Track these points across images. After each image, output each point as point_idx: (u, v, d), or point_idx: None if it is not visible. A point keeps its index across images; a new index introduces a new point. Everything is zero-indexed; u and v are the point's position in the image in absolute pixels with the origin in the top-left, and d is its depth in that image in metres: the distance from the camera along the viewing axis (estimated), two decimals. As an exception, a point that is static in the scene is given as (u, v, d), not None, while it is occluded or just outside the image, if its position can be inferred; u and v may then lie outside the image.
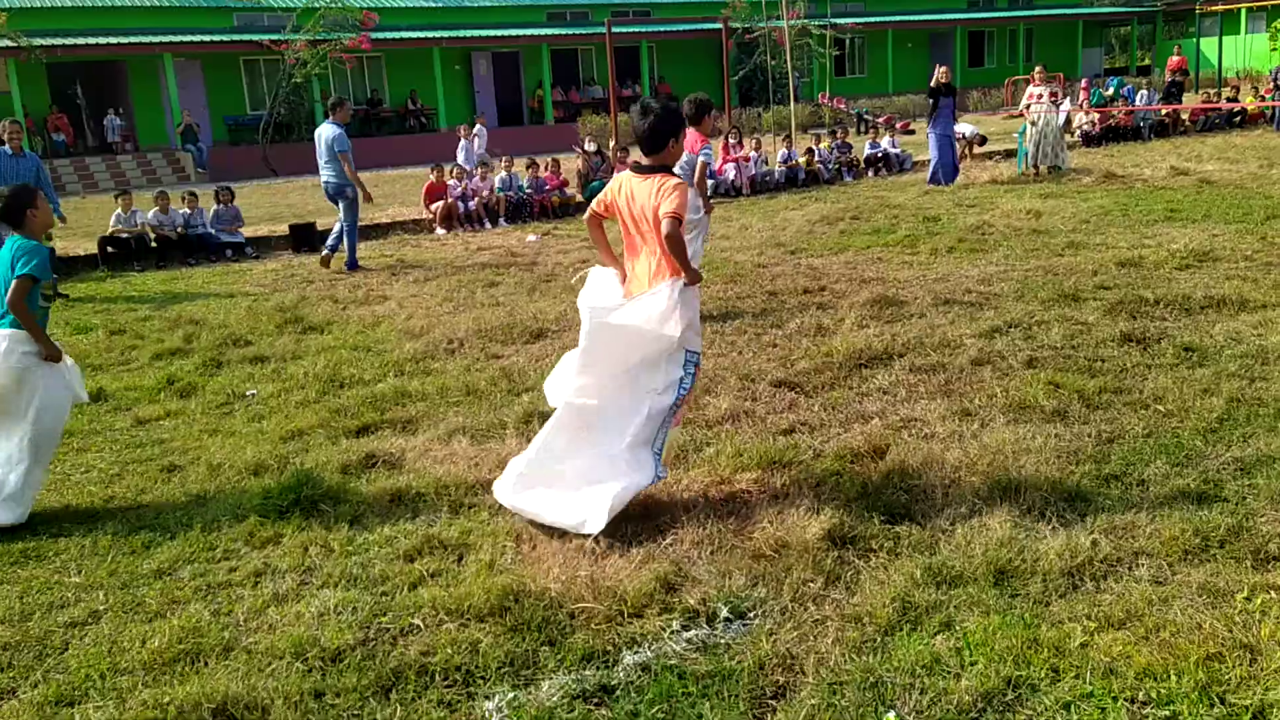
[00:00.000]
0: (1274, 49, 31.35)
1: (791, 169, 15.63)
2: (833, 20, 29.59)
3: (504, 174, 14.14)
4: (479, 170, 14.09)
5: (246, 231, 12.55)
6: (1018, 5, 39.59)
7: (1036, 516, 3.65)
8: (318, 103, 26.34)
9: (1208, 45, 34.83)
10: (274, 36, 24.01)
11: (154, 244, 11.38)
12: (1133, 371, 5.25)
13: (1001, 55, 37.65)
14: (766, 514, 3.79)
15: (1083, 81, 23.26)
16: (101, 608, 3.35)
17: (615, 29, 28.61)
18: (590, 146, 15.48)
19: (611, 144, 15.42)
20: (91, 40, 24.01)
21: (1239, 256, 7.94)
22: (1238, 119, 20.55)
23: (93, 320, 8.25)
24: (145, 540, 3.86)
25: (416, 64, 28.49)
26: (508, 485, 3.85)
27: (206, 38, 25.77)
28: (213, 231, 11.73)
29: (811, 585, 3.27)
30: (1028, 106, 14.45)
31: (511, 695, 2.76)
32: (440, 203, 13.30)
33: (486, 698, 2.77)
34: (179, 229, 11.50)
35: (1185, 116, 20.45)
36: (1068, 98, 17.82)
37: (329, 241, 10.48)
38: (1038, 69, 14.89)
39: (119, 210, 11.39)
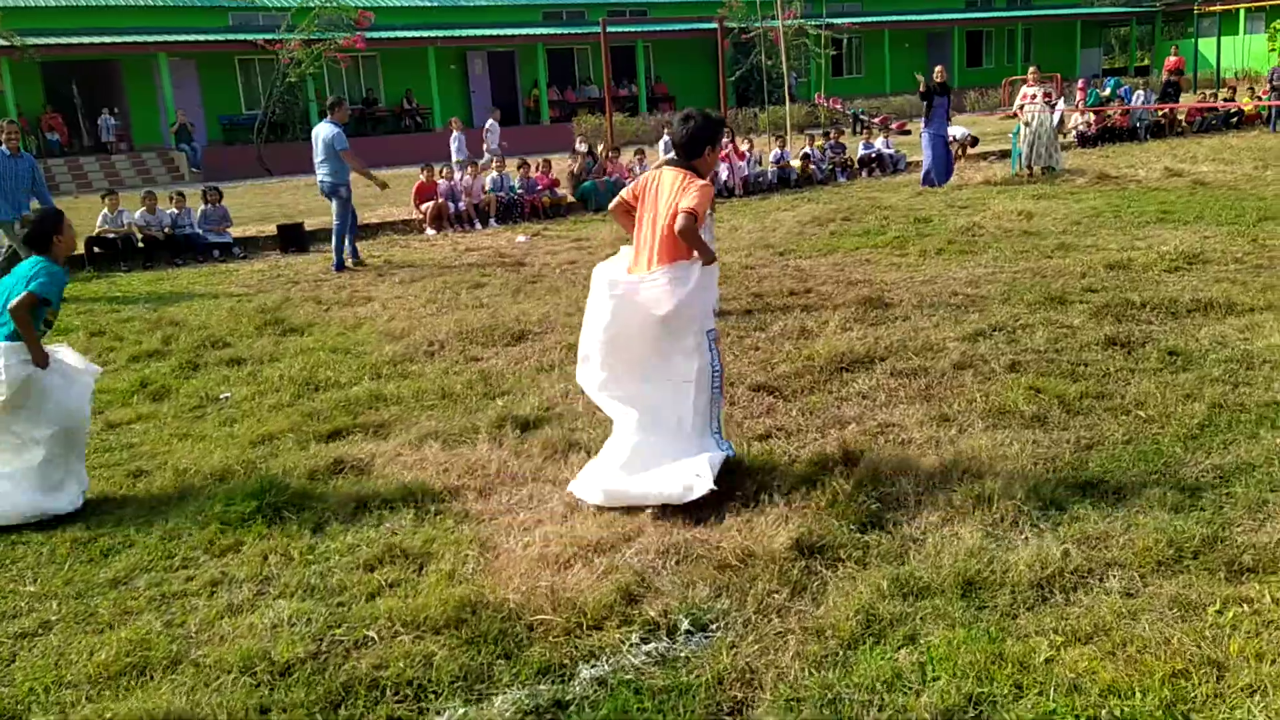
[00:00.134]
0: (1272, 49, 31.28)
1: (783, 169, 15.56)
2: (829, 20, 29.52)
3: (495, 174, 14.08)
4: (470, 169, 14.02)
5: (235, 231, 12.49)
6: (1016, 5, 39.52)
7: (1009, 525, 3.59)
8: (312, 102, 26.29)
9: (1206, 46, 34.79)
10: (269, 36, 23.94)
11: (141, 244, 11.31)
12: (1115, 376, 5.19)
13: (1000, 55, 37.57)
14: (736, 522, 3.73)
15: (1079, 82, 23.19)
16: (53, 618, 3.29)
17: (611, 29, 28.57)
18: (582, 147, 15.42)
19: (600, 146, 15.34)
20: (86, 40, 23.95)
21: (1229, 259, 7.88)
22: (1234, 120, 20.49)
23: (74, 321, 8.18)
24: (104, 548, 3.79)
25: (412, 63, 28.41)
26: (593, 485, 3.92)
27: (201, 37, 25.71)
28: (200, 232, 11.67)
29: (776, 596, 3.20)
30: (1021, 107, 14.38)
31: (463, 711, 2.70)
32: (430, 203, 13.23)
33: (437, 713, 2.70)
34: (166, 229, 11.44)
35: (1182, 117, 20.39)
36: (1062, 98, 17.74)
37: (346, 249, 10.53)
38: (1032, 70, 14.83)
39: (105, 210, 11.33)
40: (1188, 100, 22.01)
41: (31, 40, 22.39)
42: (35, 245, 4.31)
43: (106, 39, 24.13)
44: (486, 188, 13.76)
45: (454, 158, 16.82)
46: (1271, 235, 8.79)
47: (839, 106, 27.76)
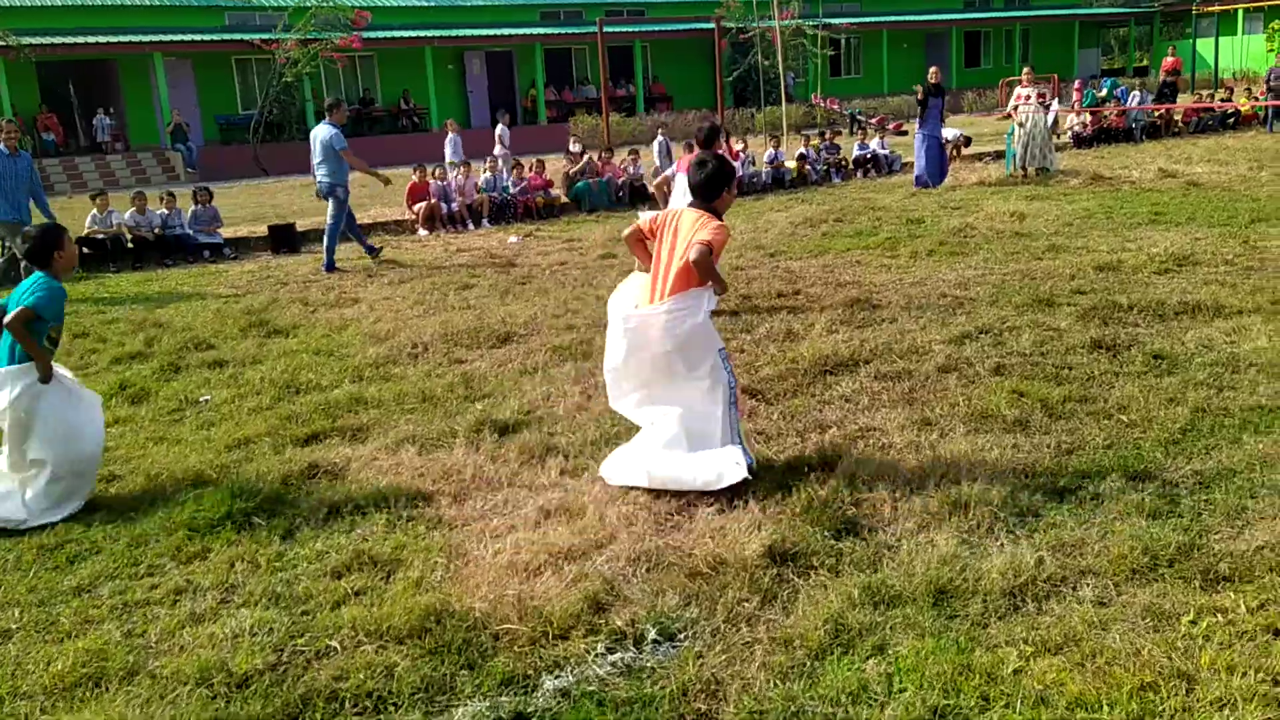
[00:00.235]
0: (1271, 50, 31.22)
1: (778, 170, 15.52)
2: (827, 20, 29.47)
3: (488, 174, 14.04)
4: (463, 170, 13.98)
5: (227, 232, 12.46)
6: (1014, 6, 39.47)
7: (985, 532, 3.55)
8: (309, 102, 26.25)
9: (1204, 46, 34.73)
10: (265, 36, 23.90)
11: (130, 245, 11.27)
12: (1099, 379, 5.14)
13: (998, 56, 37.51)
14: (710, 528, 3.69)
15: (1076, 82, 23.13)
16: (14, 626, 3.25)
17: (609, 28, 28.55)
18: (576, 147, 15.38)
19: (598, 151, 15.28)
20: (81, 39, 23.92)
21: (1219, 261, 7.83)
22: (1231, 120, 20.44)
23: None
24: (70, 554, 3.75)
25: (409, 63, 28.37)
26: (632, 466, 4.06)
27: (197, 37, 25.67)
28: (190, 232, 11.63)
29: (746, 605, 3.16)
30: (1016, 108, 14.33)
31: (422, 723, 2.66)
32: (423, 203, 13.20)
33: (396, 725, 2.66)
34: (156, 230, 11.40)
35: (1178, 118, 20.34)
36: (1056, 99, 17.69)
37: (365, 248, 10.60)
38: (1026, 71, 14.79)
39: (95, 211, 11.30)
40: (1184, 101, 21.96)
41: (26, 40, 22.37)
42: (36, 260, 4.28)
43: (102, 38, 24.09)
44: (479, 188, 13.72)
45: (448, 159, 16.81)
46: (1263, 237, 8.75)
47: (836, 107, 27.73)
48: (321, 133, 10.16)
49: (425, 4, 30.89)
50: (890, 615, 3.04)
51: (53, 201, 14.85)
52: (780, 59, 21.45)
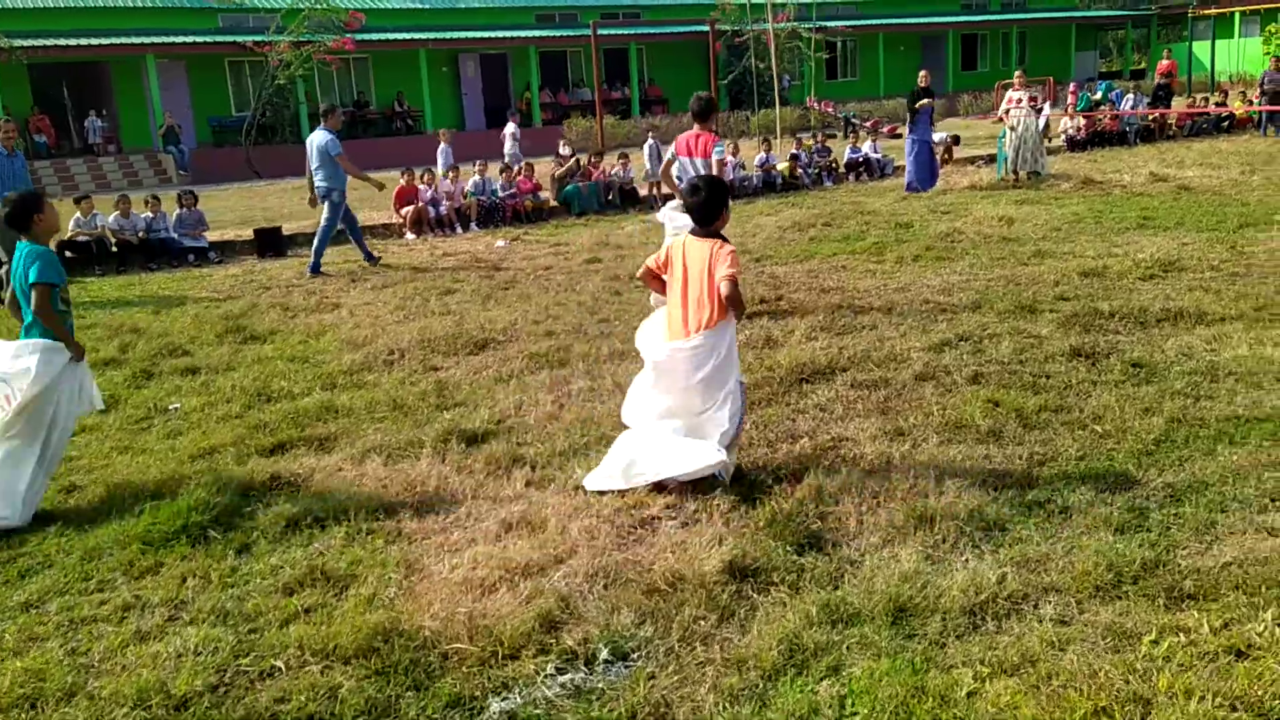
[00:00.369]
0: (1267, 53, 31.18)
1: (768, 173, 15.46)
2: (822, 23, 29.43)
3: (477, 178, 13.98)
4: (450, 174, 13.93)
5: (214, 235, 12.41)
6: (1011, 8, 39.44)
7: (950, 547, 3.49)
8: (302, 104, 26.19)
9: (1201, 49, 34.70)
10: (257, 38, 23.83)
11: (114, 249, 11.21)
12: (1077, 388, 5.08)
13: (994, 58, 37.46)
14: (671, 542, 3.63)
15: (1071, 85, 23.09)
16: (-43, 644, 3.19)
17: (604, 31, 28.49)
18: (565, 150, 15.33)
19: (588, 155, 15.22)
20: (74, 41, 23.85)
21: (1205, 266, 7.77)
22: (1226, 124, 20.39)
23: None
24: (22, 568, 3.69)
25: (403, 66, 28.31)
26: (614, 474, 4.11)
27: (190, 39, 25.62)
28: (175, 236, 11.57)
29: (702, 623, 3.10)
30: (1007, 112, 14.28)
31: (362, 746, 2.60)
32: (410, 207, 13.13)
33: (335, 749, 2.60)
34: (140, 233, 11.34)
35: (1172, 121, 20.29)
36: (1047, 102, 17.64)
37: (364, 254, 10.57)
38: (1017, 74, 14.74)
39: (78, 214, 11.23)
40: (1179, 104, 21.92)
41: (19, 42, 22.31)
42: (16, 225, 4.28)
43: (95, 40, 24.03)
44: (467, 192, 13.66)
45: (439, 169, 16.76)
46: (1250, 242, 8.69)
47: (830, 110, 27.68)
48: (317, 138, 10.14)
49: (420, 6, 30.83)
50: (847, 634, 2.97)
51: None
52: (774, 62, 21.43)
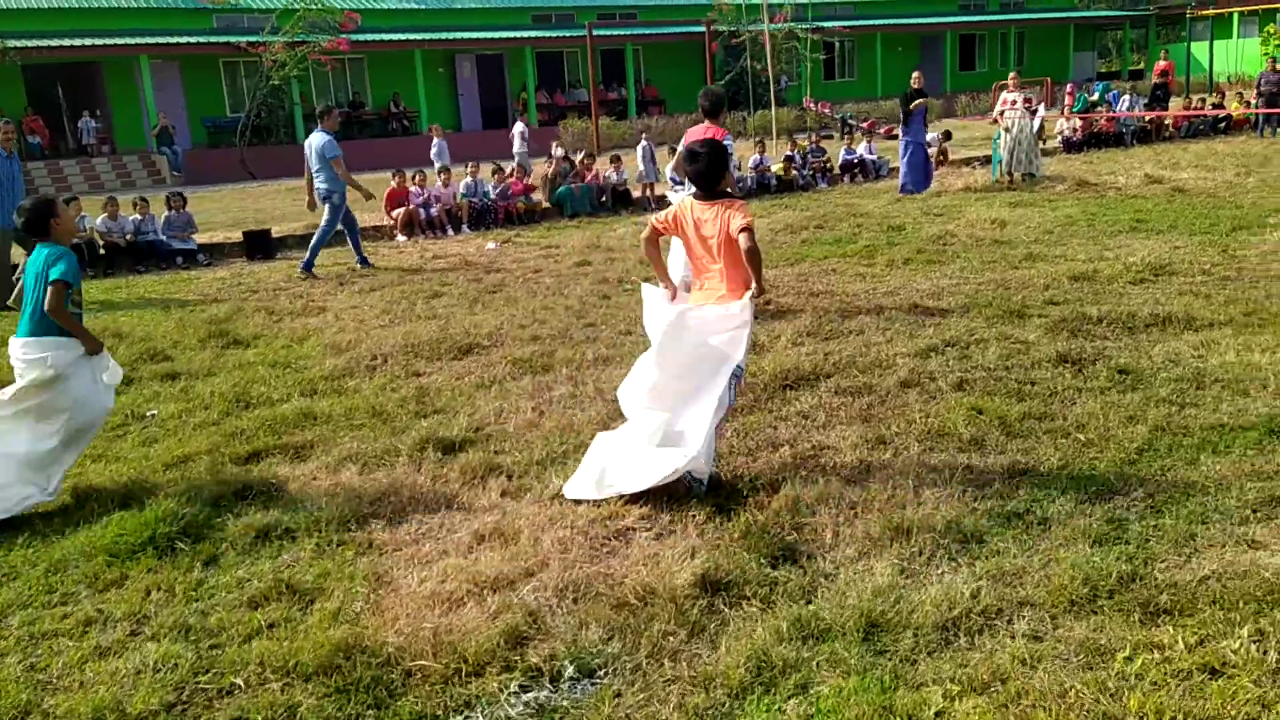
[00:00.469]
0: (1265, 54, 31.15)
1: (762, 174, 15.41)
2: (819, 23, 29.37)
3: (469, 179, 13.93)
4: (444, 176, 13.88)
5: (204, 237, 12.37)
6: (1009, 8, 39.40)
7: (926, 560, 3.43)
8: (297, 105, 26.14)
9: (1199, 49, 34.66)
10: (252, 38, 23.78)
11: (102, 251, 11.16)
12: (1062, 395, 5.03)
13: (993, 59, 37.44)
14: (644, 554, 3.58)
15: (1068, 86, 23.04)
16: (-85, 660, 3.13)
17: (601, 32, 28.44)
18: (558, 152, 15.28)
19: (580, 154, 15.18)
20: (67, 42, 23.81)
21: (1196, 270, 7.72)
22: (1223, 125, 20.35)
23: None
24: (-15, 581, 3.64)
25: (399, 66, 28.27)
26: (588, 484, 4.06)
27: (184, 39, 25.57)
28: (163, 238, 11.52)
29: (672, 639, 3.05)
30: (1001, 113, 14.23)
31: (318, 767, 2.55)
32: (402, 209, 13.09)
33: (291, 770, 2.55)
34: (128, 236, 11.29)
35: (1169, 122, 20.25)
36: (1041, 104, 17.60)
37: (359, 258, 10.54)
38: (1012, 75, 14.70)
39: (68, 217, 11.16)
40: (1176, 104, 21.87)
41: (12, 42, 22.27)
42: (33, 230, 4.40)
43: (88, 41, 23.99)
44: (459, 194, 13.61)
45: (434, 164, 16.73)
46: (1243, 245, 8.65)
47: (827, 110, 27.62)
48: (315, 140, 10.13)
49: (415, 6, 30.79)
50: (818, 650, 2.92)
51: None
52: (770, 63, 21.39)
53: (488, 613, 3.19)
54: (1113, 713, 2.52)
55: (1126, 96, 21.29)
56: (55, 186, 22.20)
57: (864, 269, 8.85)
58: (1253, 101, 20.36)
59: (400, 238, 12.78)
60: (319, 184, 10.17)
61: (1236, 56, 35.00)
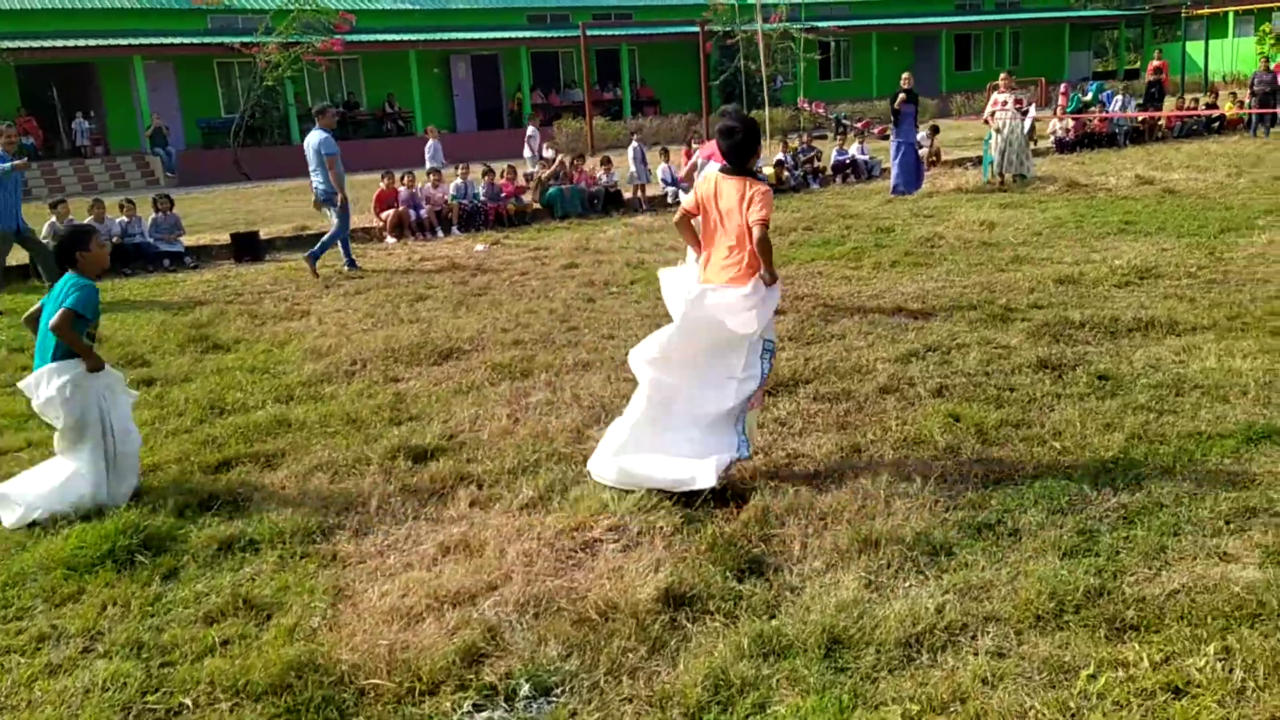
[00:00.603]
0: (1260, 53, 31.11)
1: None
2: (813, 23, 29.30)
3: (459, 181, 13.87)
4: (433, 177, 13.83)
5: (192, 239, 12.31)
6: (1004, 8, 39.34)
7: (893, 573, 3.39)
8: (292, 106, 26.07)
9: (1194, 48, 34.61)
10: (245, 39, 23.70)
11: (88, 254, 11.09)
12: (1040, 402, 4.99)
13: (988, 58, 37.35)
14: (609, 567, 3.53)
15: (1062, 86, 23.00)
16: None
17: (596, 32, 28.37)
18: (549, 154, 15.23)
19: (570, 158, 15.10)
20: (61, 43, 23.73)
21: (1182, 273, 7.68)
22: (1216, 125, 20.31)
23: (1, 336, 7.98)
24: (-58, 595, 3.59)
25: (394, 67, 28.19)
26: (606, 460, 4.20)
27: (178, 40, 25.49)
28: (151, 240, 11.46)
29: (631, 656, 3.00)
30: (993, 114, 14.19)
31: (264, 790, 2.50)
32: (391, 211, 13.03)
33: (236, 793, 2.50)
34: (115, 238, 11.21)
35: (1162, 122, 20.21)
36: (1033, 104, 17.56)
37: (344, 258, 10.50)
38: (1003, 76, 14.64)
39: (53, 219, 11.11)
40: (1170, 103, 21.82)
41: (6, 43, 22.19)
42: (61, 260, 4.50)
43: (82, 41, 23.91)
44: (450, 195, 13.56)
45: (427, 165, 16.66)
46: (1230, 247, 8.61)
47: (821, 110, 27.57)
48: (313, 138, 10.14)
49: (410, 7, 30.72)
50: (778, 667, 2.88)
51: (26, 207, 14.73)
52: (763, 63, 21.33)
53: (446, 628, 3.14)
54: (1071, 734, 2.48)
55: (1120, 96, 21.24)
56: (49, 188, 22.11)
57: (850, 271, 8.80)
58: (1246, 101, 20.32)
59: (389, 240, 12.73)
60: (316, 183, 10.17)
61: (1232, 56, 34.96)
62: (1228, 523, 3.58)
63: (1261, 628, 2.89)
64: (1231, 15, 35.87)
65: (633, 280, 9.03)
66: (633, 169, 15.02)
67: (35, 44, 23.33)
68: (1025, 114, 14.73)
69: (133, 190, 20.74)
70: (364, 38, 26.67)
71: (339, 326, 7.77)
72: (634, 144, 15.32)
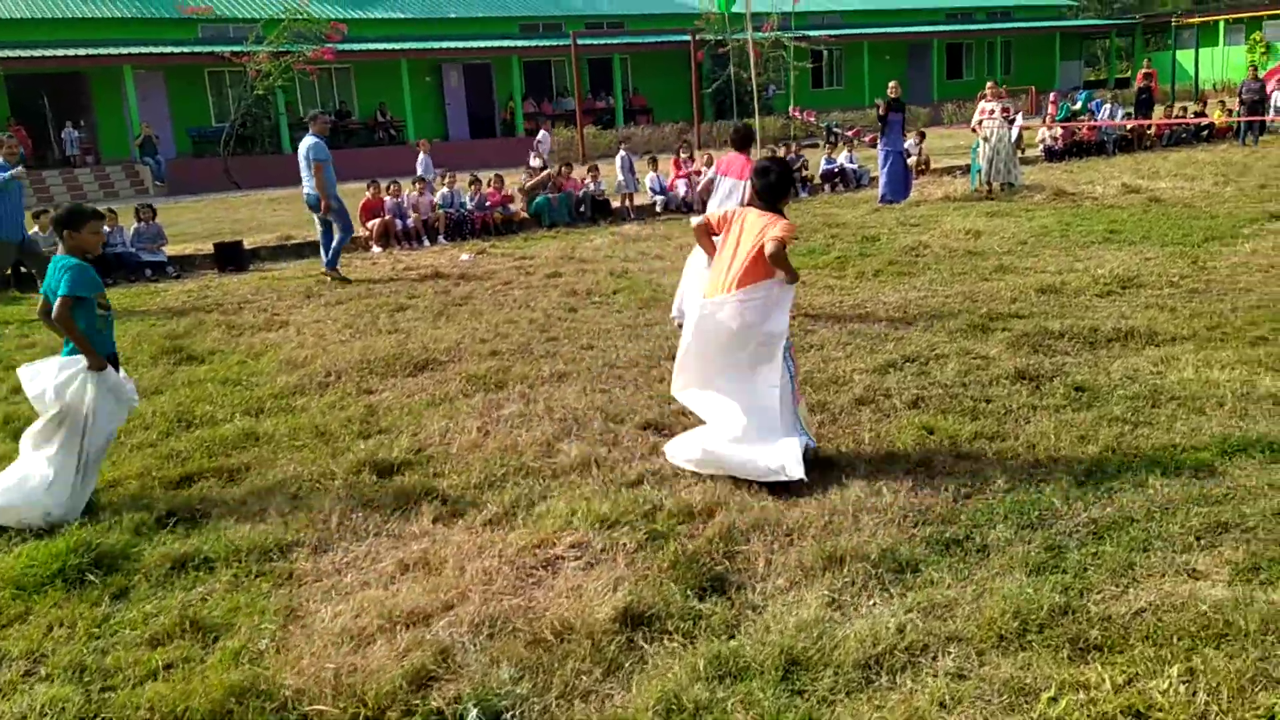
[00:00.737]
0: (1251, 62, 31.22)
1: (742, 185, 15.32)
2: (805, 32, 29.35)
3: (445, 190, 13.82)
4: (419, 186, 13.77)
5: (175, 249, 12.24)
6: (996, 17, 39.47)
7: (858, 590, 3.32)
8: (282, 115, 26.06)
9: (1185, 57, 34.73)
10: (235, 48, 23.68)
11: (69, 264, 11.01)
12: (1016, 414, 4.93)
13: (980, 67, 37.47)
14: (568, 586, 3.46)
15: (1051, 95, 23.03)
16: None
17: (587, 40, 28.39)
18: (536, 163, 15.19)
19: (559, 167, 15.07)
20: (51, 52, 23.68)
21: (1164, 282, 7.64)
22: (1205, 133, 20.33)
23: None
24: (-113, 616, 3.50)
25: (385, 76, 28.19)
26: (692, 446, 4.41)
27: (169, 49, 25.45)
28: (133, 250, 11.39)
29: (585, 678, 2.93)
30: (980, 123, 14.18)
31: (196, 821, 2.42)
32: (377, 220, 12.98)
33: (168, 824, 2.42)
34: (96, 249, 11.14)
35: (1151, 130, 20.23)
36: (1020, 113, 17.57)
37: (326, 261, 10.44)
38: (990, 85, 14.64)
39: (35, 228, 11.04)
40: (1159, 112, 21.86)
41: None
42: (57, 232, 4.51)
43: (72, 51, 23.86)
44: (436, 204, 13.50)
45: (422, 177, 16.60)
46: (1214, 256, 8.57)
47: (812, 119, 27.59)
48: (304, 145, 10.12)
49: (402, 16, 30.74)
50: (734, 690, 2.80)
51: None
52: (754, 72, 21.34)
53: (397, 651, 3.07)
54: (1027, 761, 2.41)
55: (1109, 105, 21.27)
56: (38, 198, 21.99)
57: (834, 281, 8.75)
58: (1234, 110, 20.36)
59: (375, 249, 12.67)
60: (307, 189, 10.16)
61: (1222, 64, 35.07)
62: (1198, 539, 3.52)
63: (1227, 648, 2.82)
64: (1222, 24, 36.01)
65: (615, 290, 8.97)
66: (620, 178, 14.98)
67: (26, 53, 23.29)
68: (1012, 123, 14.71)
69: (122, 199, 20.66)
70: (355, 46, 26.67)
71: (317, 337, 7.70)
72: (621, 153, 15.28)
